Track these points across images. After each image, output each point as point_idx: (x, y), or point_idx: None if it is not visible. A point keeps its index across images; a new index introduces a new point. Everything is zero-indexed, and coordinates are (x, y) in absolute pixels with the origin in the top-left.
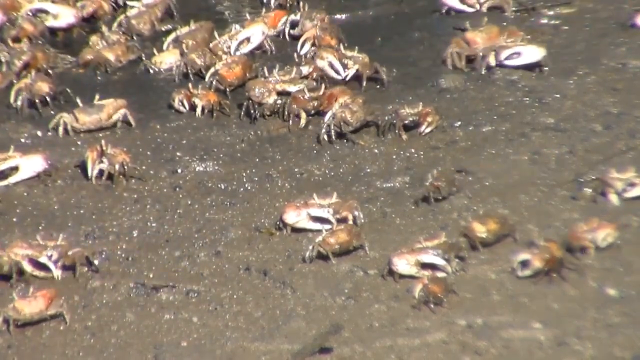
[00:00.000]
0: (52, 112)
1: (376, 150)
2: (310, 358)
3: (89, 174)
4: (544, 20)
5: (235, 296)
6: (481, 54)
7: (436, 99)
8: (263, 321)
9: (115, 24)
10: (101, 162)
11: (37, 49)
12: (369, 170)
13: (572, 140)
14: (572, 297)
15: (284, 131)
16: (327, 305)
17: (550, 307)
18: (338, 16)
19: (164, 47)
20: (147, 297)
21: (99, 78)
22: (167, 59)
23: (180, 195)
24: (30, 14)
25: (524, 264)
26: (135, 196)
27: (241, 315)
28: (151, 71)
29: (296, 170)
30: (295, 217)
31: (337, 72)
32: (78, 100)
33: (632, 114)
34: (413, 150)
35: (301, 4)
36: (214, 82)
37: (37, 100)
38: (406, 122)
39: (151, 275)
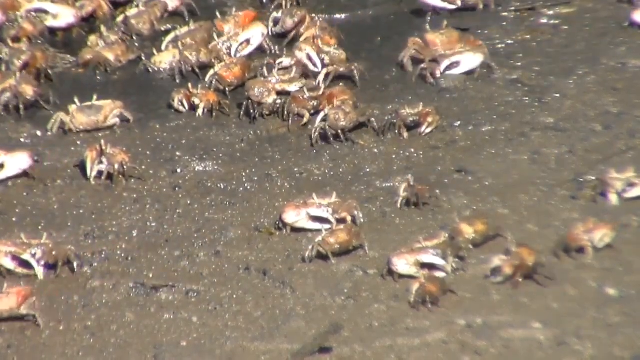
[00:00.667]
0: (51, 112)
1: (376, 150)
2: (310, 358)
3: (89, 173)
4: (544, 20)
5: (234, 296)
6: (426, 66)
7: (436, 99)
8: (263, 321)
9: (115, 24)
10: (101, 162)
11: (36, 49)
12: (368, 170)
13: (572, 140)
14: (572, 297)
15: (284, 131)
16: (327, 305)
17: (550, 307)
18: (338, 16)
19: (163, 46)
20: (146, 297)
21: (98, 78)
22: (166, 59)
23: (180, 195)
24: (30, 14)
25: (495, 270)
26: (135, 196)
27: (241, 315)
28: (151, 71)
29: (296, 170)
30: (295, 216)
31: (314, 64)
32: (76, 100)
33: (632, 114)
34: (413, 150)
35: (284, 2)
36: (213, 82)
37: (20, 105)
38: (407, 122)
39: (151, 275)
